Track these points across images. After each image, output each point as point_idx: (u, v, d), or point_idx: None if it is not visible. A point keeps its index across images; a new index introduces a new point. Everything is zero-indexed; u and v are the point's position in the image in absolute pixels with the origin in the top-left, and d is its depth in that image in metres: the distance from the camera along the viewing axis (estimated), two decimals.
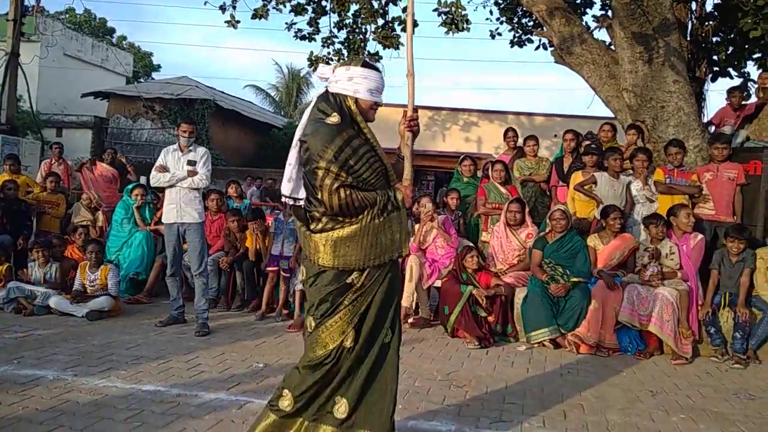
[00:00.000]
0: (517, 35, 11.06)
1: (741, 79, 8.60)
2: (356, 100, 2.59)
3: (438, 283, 5.91)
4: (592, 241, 5.70)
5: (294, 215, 2.77)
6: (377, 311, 2.57)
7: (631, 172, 6.32)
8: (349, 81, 2.58)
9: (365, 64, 2.64)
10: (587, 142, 6.85)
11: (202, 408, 3.42)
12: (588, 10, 10.14)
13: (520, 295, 5.60)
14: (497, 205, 6.56)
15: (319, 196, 2.47)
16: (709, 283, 5.34)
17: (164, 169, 5.33)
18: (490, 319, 5.47)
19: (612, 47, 7.58)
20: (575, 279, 5.41)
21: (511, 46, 11.24)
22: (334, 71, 2.64)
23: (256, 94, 30.22)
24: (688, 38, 7.71)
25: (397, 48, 10.05)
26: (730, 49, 8.24)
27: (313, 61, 10.31)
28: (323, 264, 2.52)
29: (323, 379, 2.53)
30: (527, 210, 6.27)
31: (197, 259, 5.36)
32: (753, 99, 7.31)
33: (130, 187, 7.35)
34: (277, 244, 6.26)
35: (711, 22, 7.95)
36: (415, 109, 2.72)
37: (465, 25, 9.51)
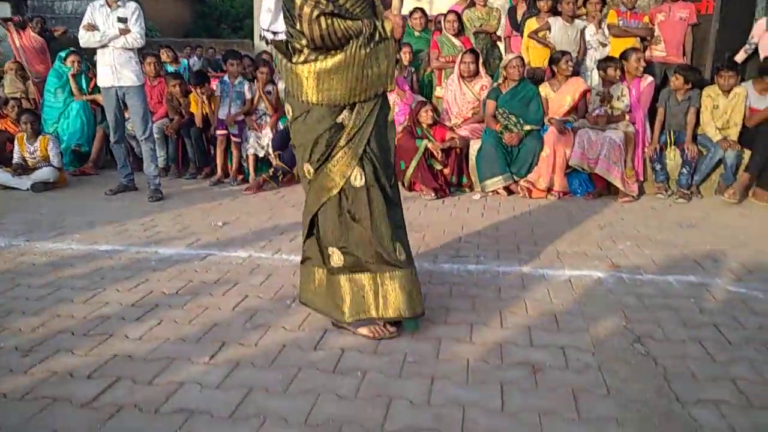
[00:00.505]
0: None
1: None
2: None
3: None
4: (544, 89, 5.66)
5: (275, 48, 2.55)
6: (379, 152, 2.43)
7: (585, 17, 6.18)
8: None
9: None
10: None
11: (163, 262, 3.42)
12: None
13: (474, 146, 5.63)
14: (451, 58, 6.38)
15: (298, 27, 2.28)
16: (656, 121, 5.46)
17: (93, 27, 4.91)
18: (446, 171, 5.53)
19: None
20: (528, 127, 5.45)
21: None
22: None
23: None
24: None
25: None
26: None
27: None
28: (307, 99, 2.36)
29: (351, 221, 2.40)
30: (481, 61, 6.13)
31: (141, 123, 5.12)
32: None
33: (63, 54, 6.81)
34: (224, 107, 6.02)
35: None
36: None
37: None
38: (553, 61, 5.61)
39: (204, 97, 6.09)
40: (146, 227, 4.20)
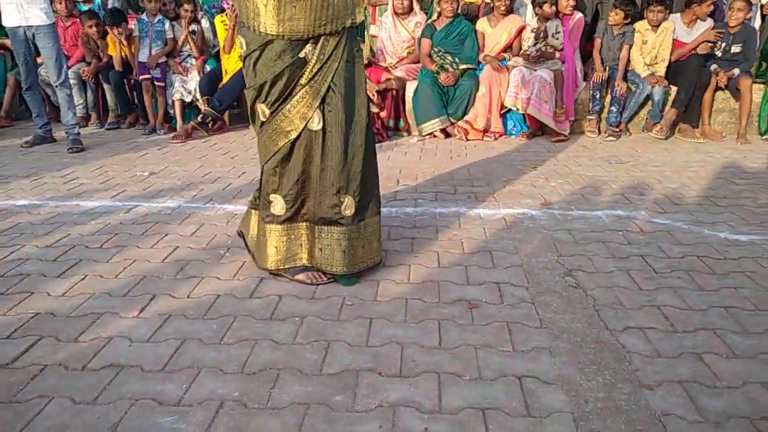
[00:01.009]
0: None
1: None
2: None
3: None
4: (481, 25, 5.60)
5: None
6: (344, 91, 2.23)
7: None
8: None
9: None
10: None
11: (86, 215, 3.24)
12: None
13: (410, 88, 5.54)
14: None
15: None
16: (594, 52, 5.51)
17: None
18: (382, 114, 5.44)
19: None
20: (464, 66, 5.40)
21: None
22: None
23: None
24: None
25: None
26: None
27: None
28: (266, 31, 2.12)
29: (301, 168, 2.27)
30: None
31: (55, 67, 4.76)
32: None
33: None
34: (144, 49, 5.67)
35: None
36: None
37: None
38: None
39: (122, 38, 5.70)
40: (66, 180, 3.96)
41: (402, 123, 5.57)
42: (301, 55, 2.17)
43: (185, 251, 2.74)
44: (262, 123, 2.30)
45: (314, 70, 2.19)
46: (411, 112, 5.51)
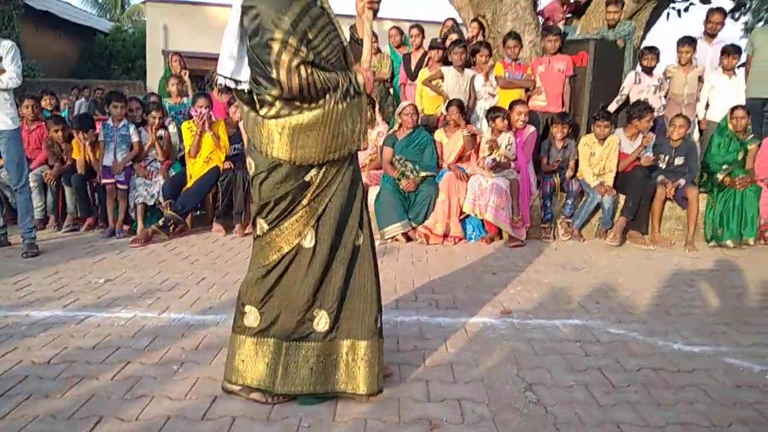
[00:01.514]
0: None
1: None
2: None
3: None
4: (438, 135, 5.88)
5: (238, 99, 2.36)
6: (339, 210, 2.28)
7: (474, 67, 6.51)
8: None
9: None
10: (454, 35, 6.93)
11: (36, 326, 3.11)
12: None
13: (373, 193, 5.68)
14: None
15: (274, 75, 2.08)
16: (542, 165, 5.82)
17: None
18: None
19: None
20: (424, 173, 5.60)
21: None
22: None
23: None
24: None
25: None
26: None
27: None
28: (278, 156, 2.18)
29: (284, 283, 2.28)
30: (377, 108, 6.27)
31: (16, 171, 4.73)
32: None
33: None
34: (109, 153, 5.71)
35: None
36: None
37: None
38: (447, 108, 5.86)
39: (86, 143, 5.74)
40: (18, 287, 3.84)
41: None
42: (306, 178, 2.24)
43: (136, 367, 2.64)
44: (258, 236, 2.34)
45: (317, 192, 2.26)
46: (373, 215, 5.61)
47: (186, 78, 7.16)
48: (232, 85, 2.28)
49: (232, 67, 2.25)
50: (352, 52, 2.37)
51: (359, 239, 2.35)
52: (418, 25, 7.11)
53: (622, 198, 5.64)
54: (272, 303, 2.30)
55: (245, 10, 2.13)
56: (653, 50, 6.19)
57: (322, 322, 2.29)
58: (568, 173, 5.72)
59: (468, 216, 5.58)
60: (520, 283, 4.12)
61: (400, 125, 5.75)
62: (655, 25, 7.53)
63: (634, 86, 6.18)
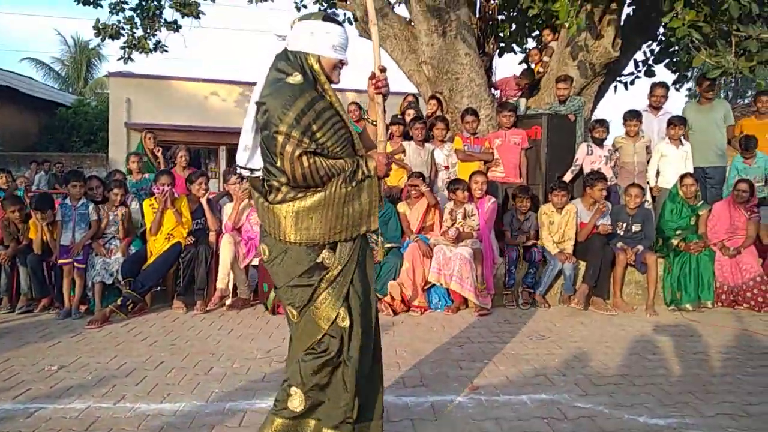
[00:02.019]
0: (322, 7, 11.03)
1: (523, 55, 9.51)
2: (319, 59, 2.35)
3: (256, 261, 5.76)
4: (402, 207, 5.96)
5: (251, 186, 2.45)
6: (361, 289, 2.38)
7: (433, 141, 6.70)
8: (310, 37, 2.34)
9: (326, 18, 2.39)
10: (412, 111, 7.13)
11: None
12: None
13: None
14: None
15: (279, 165, 2.22)
16: (505, 237, 5.92)
17: None
18: None
19: (411, 23, 7.92)
20: (389, 244, 5.64)
21: None
22: (291, 27, 2.38)
23: (38, 68, 26.64)
24: (477, 14, 8.31)
25: (198, 17, 9.50)
26: (513, 26, 9.05)
27: (101, 30, 9.31)
28: (286, 239, 2.28)
29: (329, 364, 2.33)
30: None
31: None
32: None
33: None
34: (67, 232, 5.59)
35: (496, 1, 8.63)
36: (383, 68, 2.44)
37: None
38: (409, 178, 5.97)
39: (44, 224, 5.62)
40: None
41: None
42: (319, 260, 2.30)
43: None
44: (294, 323, 2.41)
45: (334, 275, 2.32)
46: None
47: (159, 154, 7.21)
48: (246, 173, 2.42)
49: (247, 157, 2.40)
50: (363, 137, 2.51)
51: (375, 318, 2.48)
52: None
53: (583, 265, 5.75)
54: (318, 387, 2.35)
55: (258, 106, 2.30)
56: (603, 123, 6.50)
57: (353, 410, 2.37)
58: (530, 242, 5.83)
59: (433, 285, 5.60)
60: (487, 356, 4.10)
61: None
62: (604, 97, 7.93)
63: (587, 157, 6.44)
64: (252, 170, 2.40)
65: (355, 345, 2.34)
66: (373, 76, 2.45)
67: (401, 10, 8.43)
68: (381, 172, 2.36)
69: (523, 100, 7.37)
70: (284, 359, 3.93)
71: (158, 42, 10.08)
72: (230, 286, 5.70)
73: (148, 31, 9.80)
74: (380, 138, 2.45)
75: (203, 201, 5.96)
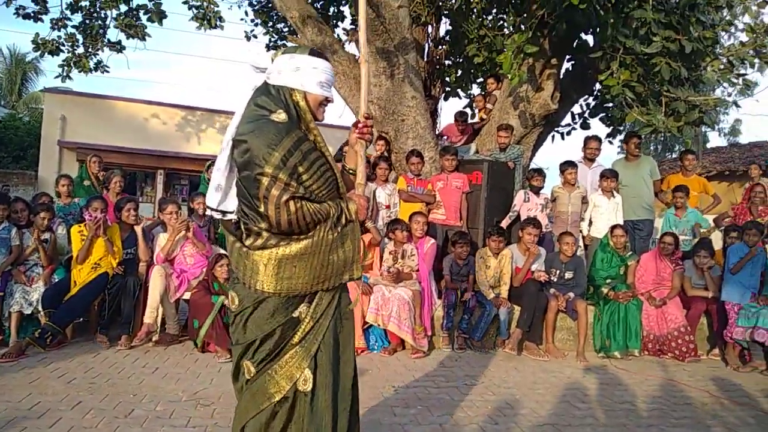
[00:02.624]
0: (272, 39, 11.07)
1: (468, 100, 9.79)
2: (305, 95, 2.21)
3: (187, 296, 5.55)
4: None
5: (224, 228, 2.25)
6: (332, 347, 2.19)
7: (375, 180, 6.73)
8: (296, 72, 2.19)
9: (313, 52, 2.25)
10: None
11: None
12: (339, 23, 10.58)
13: None
14: None
15: (262, 209, 2.03)
16: (444, 281, 5.96)
17: None
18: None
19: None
20: None
21: (267, 50, 11.22)
22: (273, 61, 2.23)
23: None
24: (425, 59, 8.51)
25: (143, 39, 9.32)
26: (459, 72, 9.32)
27: (40, 45, 8.99)
28: (263, 289, 2.09)
29: (275, 427, 2.13)
30: None
31: None
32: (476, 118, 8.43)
33: None
34: None
35: (444, 47, 8.89)
36: (368, 116, 2.35)
37: (218, 23, 9.24)
38: None
39: None
40: None
41: None
42: (295, 314, 2.14)
43: None
44: (246, 381, 2.18)
45: (306, 329, 2.15)
46: None
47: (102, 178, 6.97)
48: (218, 216, 2.25)
49: (219, 198, 2.22)
50: (346, 180, 2.36)
51: (351, 377, 2.26)
52: None
53: (517, 310, 5.85)
54: None
55: (236, 143, 2.11)
56: (540, 172, 6.74)
57: None
58: (467, 295, 5.87)
59: (371, 326, 5.55)
60: (421, 401, 4.07)
61: None
62: (542, 146, 8.22)
63: (524, 204, 6.62)
64: (224, 212, 2.23)
65: (314, 413, 2.14)
66: (357, 123, 2.36)
67: (352, 48, 8.56)
68: (362, 215, 2.25)
69: (473, 145, 7.56)
70: (211, 402, 3.81)
71: (99, 62, 9.84)
72: (158, 321, 5.47)
73: (90, 49, 9.54)
74: (359, 181, 2.36)
75: (138, 229, 5.73)
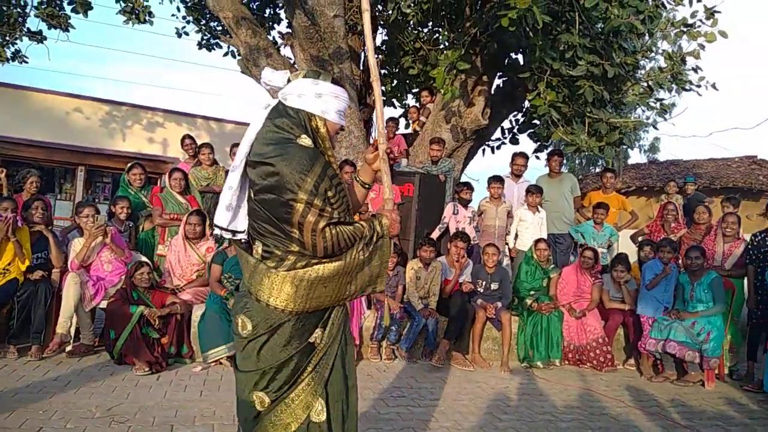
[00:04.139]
0: (205, 38, 10.80)
1: (403, 110, 9.90)
2: (325, 122, 2.16)
3: (104, 304, 5.29)
4: None
5: (238, 251, 2.16)
6: (342, 372, 2.17)
7: None
8: (318, 98, 2.16)
9: (335, 81, 2.24)
10: None
11: None
12: (275, 26, 10.46)
13: (197, 312, 5.38)
14: (176, 215, 6.24)
15: (296, 235, 2.01)
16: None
17: None
18: (164, 340, 5.12)
19: (295, 66, 7.94)
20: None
21: (199, 48, 10.96)
22: (290, 81, 2.16)
23: None
24: (361, 68, 8.53)
25: (66, 30, 8.87)
26: (395, 82, 9.40)
27: None
28: (288, 308, 2.04)
29: None
30: (208, 222, 6.09)
31: None
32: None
33: None
34: None
35: (379, 57, 8.93)
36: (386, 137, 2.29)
37: (147, 18, 8.92)
38: None
39: None
40: None
41: (185, 349, 5.27)
42: (311, 339, 2.11)
43: None
44: (257, 414, 2.08)
45: (320, 354, 2.12)
46: (196, 337, 5.28)
47: (3, 177, 6.42)
48: (227, 236, 2.19)
49: (229, 217, 2.17)
50: (352, 199, 2.32)
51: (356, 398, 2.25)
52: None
53: (445, 321, 5.93)
54: None
55: (257, 164, 2.07)
56: (468, 185, 6.90)
57: None
58: (395, 306, 5.88)
59: None
60: None
61: (230, 242, 5.60)
62: (473, 159, 8.41)
63: (453, 216, 6.74)
64: (234, 232, 2.19)
65: None
66: (376, 145, 2.33)
67: (287, 51, 8.45)
68: (394, 230, 2.24)
69: (405, 160, 7.65)
70: (127, 419, 3.64)
71: (17, 51, 9.29)
72: (72, 331, 5.18)
73: (8, 38, 8.99)
74: (387, 197, 2.33)
75: (47, 233, 5.39)
